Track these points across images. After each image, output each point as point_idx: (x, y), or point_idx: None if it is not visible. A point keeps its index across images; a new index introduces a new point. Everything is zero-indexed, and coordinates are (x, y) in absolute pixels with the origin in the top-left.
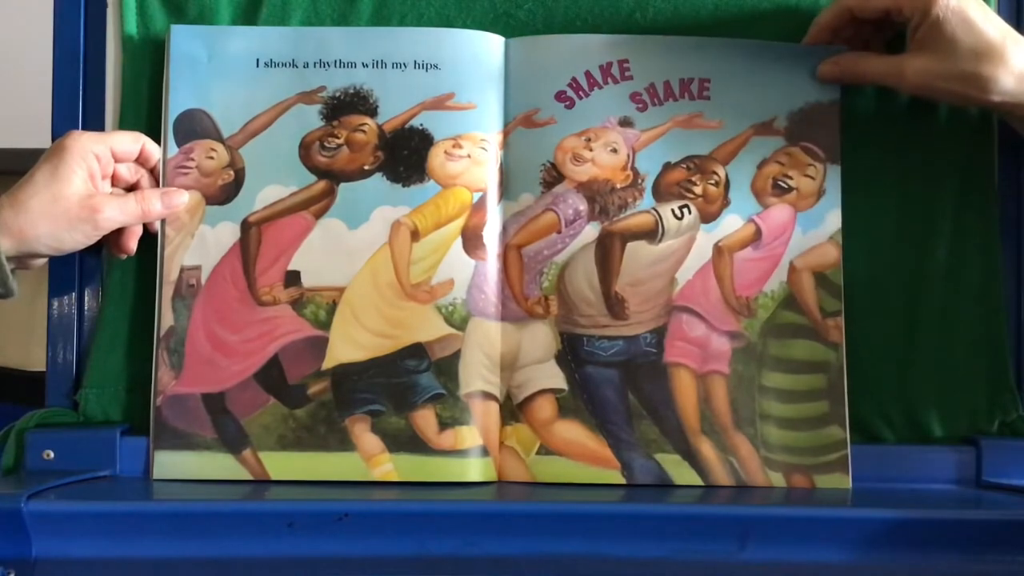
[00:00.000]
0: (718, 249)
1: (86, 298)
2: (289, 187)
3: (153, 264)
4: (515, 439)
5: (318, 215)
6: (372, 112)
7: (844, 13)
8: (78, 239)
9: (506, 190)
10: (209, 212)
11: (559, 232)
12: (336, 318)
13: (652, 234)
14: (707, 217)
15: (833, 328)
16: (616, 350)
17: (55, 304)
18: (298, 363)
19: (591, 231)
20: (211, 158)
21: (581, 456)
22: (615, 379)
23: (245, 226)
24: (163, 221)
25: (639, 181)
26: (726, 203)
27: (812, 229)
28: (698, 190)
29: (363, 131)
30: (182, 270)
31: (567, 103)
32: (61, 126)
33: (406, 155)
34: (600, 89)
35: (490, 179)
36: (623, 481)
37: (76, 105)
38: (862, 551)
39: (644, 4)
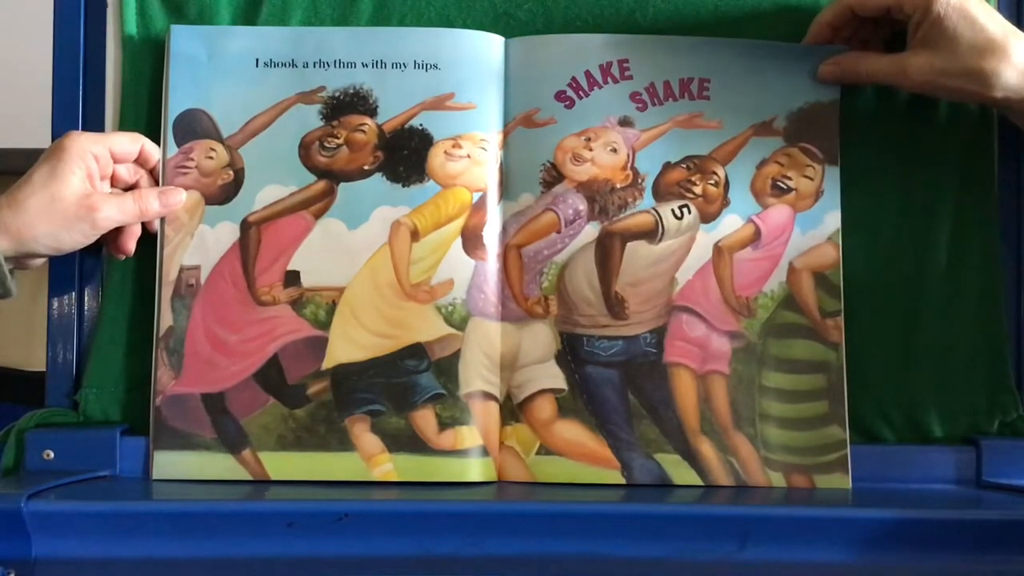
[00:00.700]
0: (718, 249)
1: (86, 298)
2: (289, 187)
3: (153, 264)
4: (515, 439)
5: (318, 215)
6: (372, 112)
7: (845, 11)
8: (76, 239)
9: (506, 190)
10: (209, 212)
11: (559, 232)
12: (336, 318)
13: (652, 234)
14: (707, 217)
15: (833, 328)
16: (616, 350)
17: (55, 304)
18: (298, 363)
19: (591, 231)
20: (211, 158)
21: (581, 456)
22: (615, 379)
23: (245, 226)
24: (163, 221)
25: (639, 181)
26: (726, 203)
27: (811, 229)
28: (698, 190)
29: (363, 131)
30: (181, 270)
31: (567, 103)
32: (61, 126)
33: (406, 155)
34: (600, 89)
35: (490, 179)
36: (623, 481)
37: (76, 105)
38: (862, 551)
39: (644, 4)
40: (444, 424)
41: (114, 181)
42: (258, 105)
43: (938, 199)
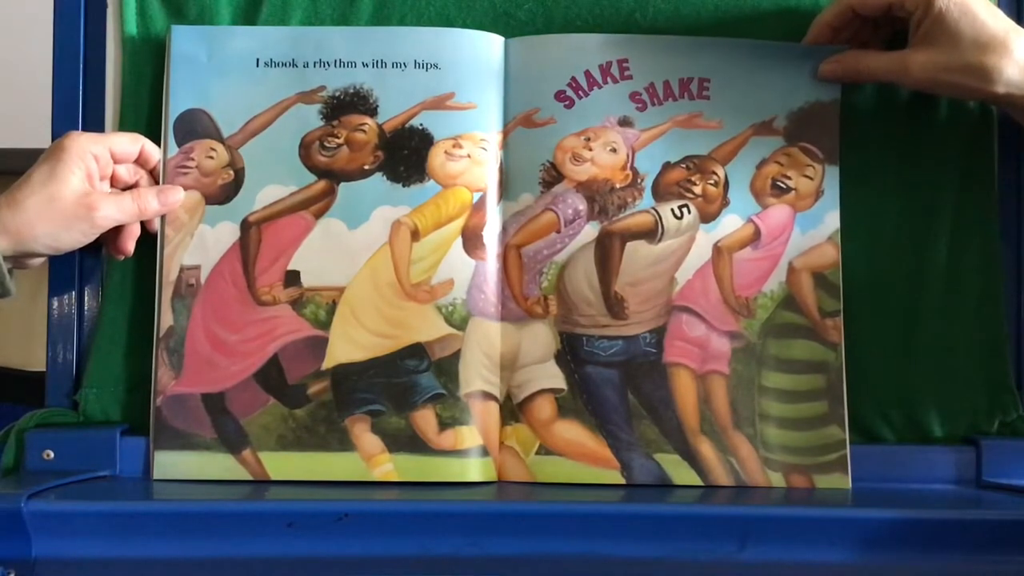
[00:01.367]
0: (717, 249)
1: (86, 298)
2: (289, 187)
3: (153, 264)
4: (515, 439)
5: (318, 215)
6: (372, 112)
7: (846, 11)
8: (76, 238)
9: (506, 190)
10: (209, 212)
11: (558, 232)
12: (336, 318)
13: (652, 234)
14: (706, 217)
15: (832, 328)
16: (616, 350)
17: (55, 304)
18: (298, 363)
19: (590, 231)
20: (211, 158)
21: (581, 456)
22: (615, 379)
23: (245, 226)
24: (163, 221)
25: (638, 181)
26: (725, 203)
27: (811, 229)
28: (697, 190)
29: (363, 131)
30: (182, 270)
31: (566, 103)
32: (61, 126)
33: (406, 155)
34: (600, 89)
35: (490, 179)
36: (623, 481)
37: (76, 105)
38: (862, 551)
39: (644, 4)
40: (444, 424)
41: (114, 181)
42: (258, 105)
43: (938, 199)
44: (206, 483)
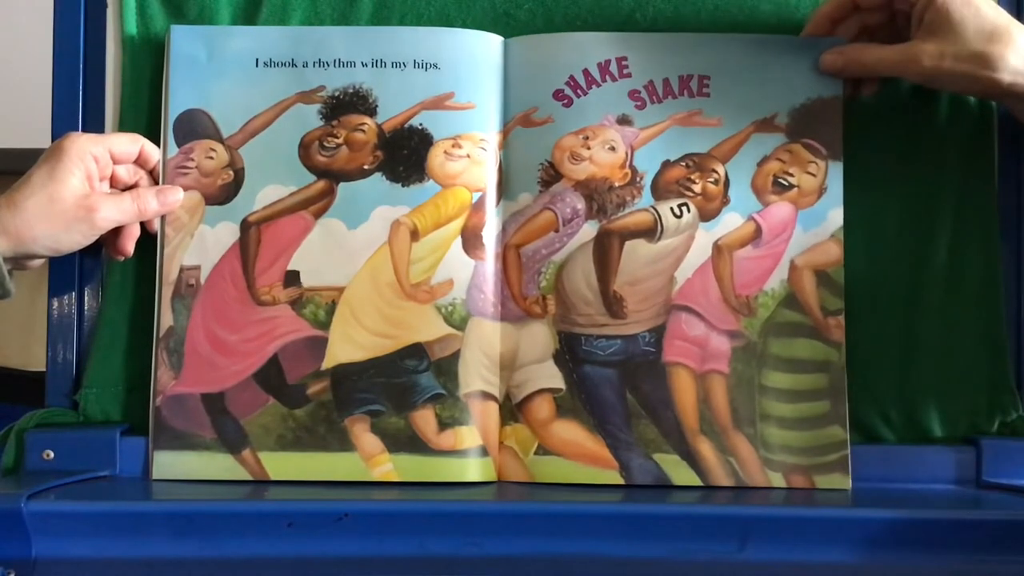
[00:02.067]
0: (717, 247)
1: (86, 298)
2: (288, 187)
3: (153, 264)
4: (514, 439)
5: (318, 215)
6: (371, 112)
7: (846, 3)
8: (75, 239)
9: (505, 190)
10: (209, 212)
11: (557, 231)
12: (336, 318)
13: (651, 232)
14: (706, 215)
15: (835, 327)
16: (614, 349)
17: (55, 304)
18: (297, 363)
19: (589, 230)
20: (211, 158)
21: (579, 456)
22: (613, 379)
23: (245, 226)
24: (163, 221)
25: (637, 179)
26: (726, 201)
27: (813, 227)
28: (697, 188)
29: (362, 131)
30: (181, 270)
31: (565, 102)
32: (61, 126)
33: (405, 155)
34: (598, 87)
35: (489, 179)
36: (621, 481)
37: (76, 105)
38: (862, 551)
39: (644, 4)
40: (444, 424)
41: (114, 182)
42: (258, 105)
43: (938, 198)
44: (206, 483)
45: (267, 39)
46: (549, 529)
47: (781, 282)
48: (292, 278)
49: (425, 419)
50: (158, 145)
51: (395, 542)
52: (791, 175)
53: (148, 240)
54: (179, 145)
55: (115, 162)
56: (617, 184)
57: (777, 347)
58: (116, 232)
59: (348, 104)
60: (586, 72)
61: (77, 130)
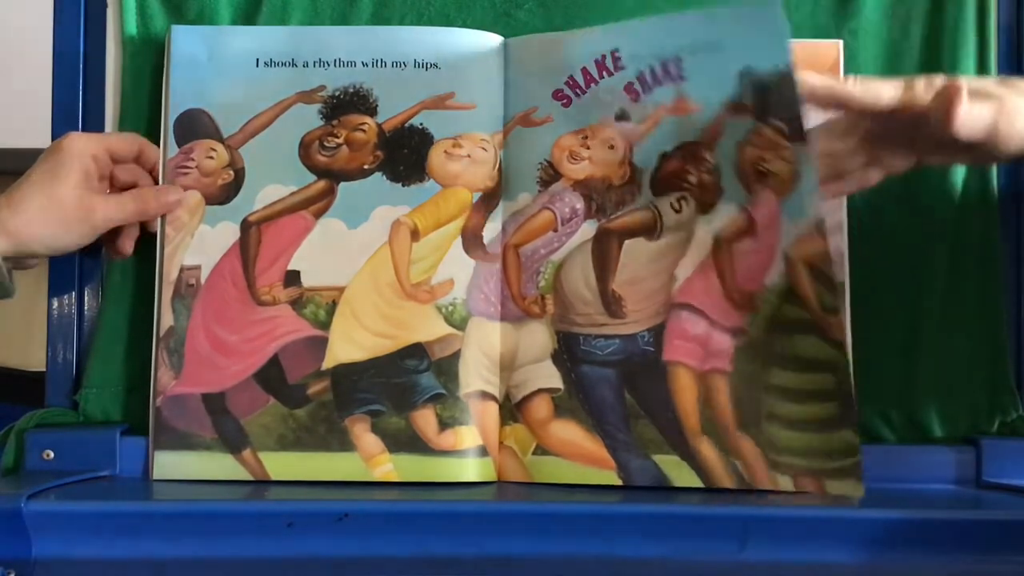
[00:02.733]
0: (717, 241)
1: (86, 298)
2: (289, 187)
3: (153, 264)
4: (513, 439)
5: (318, 215)
6: (372, 111)
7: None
8: (75, 239)
9: (505, 189)
10: (209, 212)
11: (555, 231)
12: (336, 318)
13: (651, 230)
14: (704, 207)
15: (835, 326)
16: (613, 349)
17: (55, 304)
18: (298, 363)
19: (588, 229)
20: (211, 158)
21: (577, 456)
22: (612, 378)
23: (245, 226)
24: (163, 221)
25: (637, 177)
26: (720, 191)
27: (797, 217)
28: (693, 179)
29: (363, 130)
30: (182, 270)
31: (564, 101)
32: (61, 126)
33: (406, 154)
34: (596, 85)
35: (489, 179)
36: (619, 482)
37: (76, 105)
38: (862, 551)
39: (645, 4)
40: (444, 424)
41: (113, 182)
42: (258, 105)
43: (938, 199)
44: (206, 483)
45: (267, 39)
46: (549, 529)
47: (780, 275)
48: (292, 278)
49: (425, 419)
50: (158, 145)
51: (395, 542)
52: (766, 160)
53: (148, 240)
54: (179, 145)
55: (115, 162)
56: (616, 183)
57: (780, 344)
58: (116, 232)
59: (348, 104)
60: (584, 71)
61: (77, 130)
